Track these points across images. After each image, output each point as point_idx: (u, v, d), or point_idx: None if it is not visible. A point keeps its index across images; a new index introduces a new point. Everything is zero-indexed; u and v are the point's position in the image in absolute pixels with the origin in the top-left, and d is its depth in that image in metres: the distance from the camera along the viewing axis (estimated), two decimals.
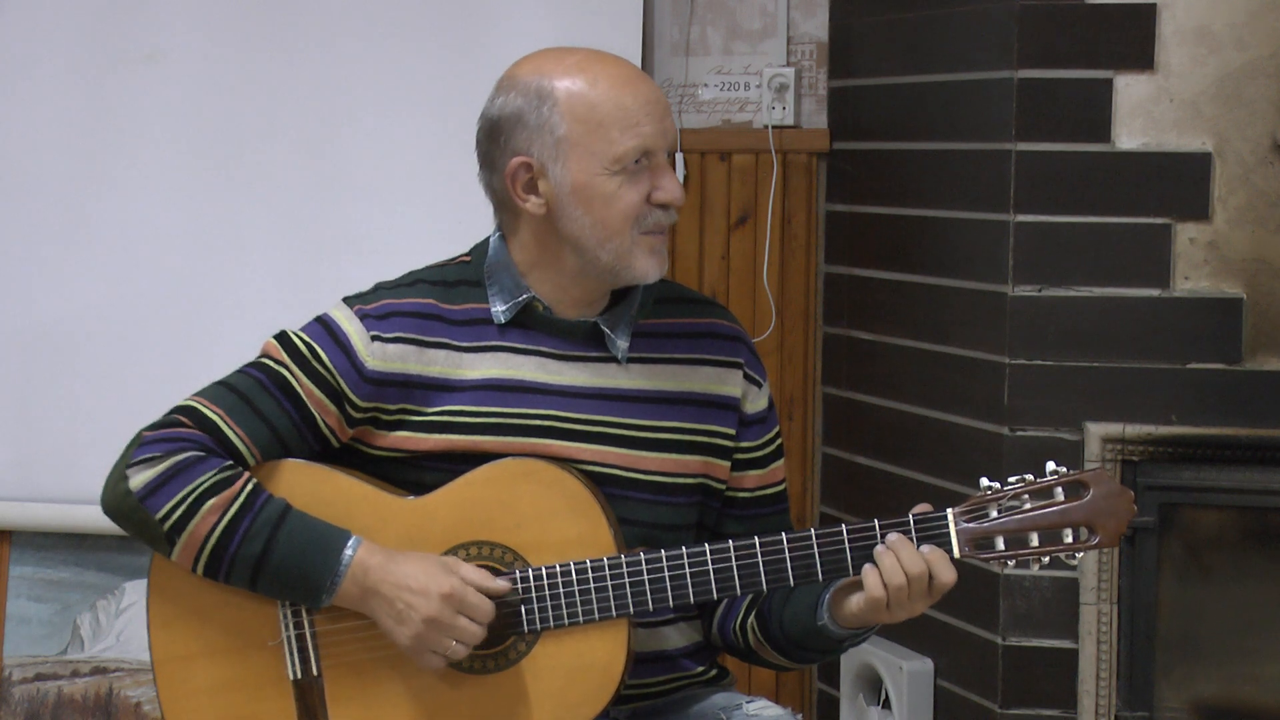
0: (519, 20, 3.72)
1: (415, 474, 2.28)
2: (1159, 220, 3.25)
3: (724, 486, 2.37)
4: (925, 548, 2.17)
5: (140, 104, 3.78)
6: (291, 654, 2.25)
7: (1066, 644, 3.30)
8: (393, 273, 2.38)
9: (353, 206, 3.74)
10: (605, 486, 2.27)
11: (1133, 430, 3.25)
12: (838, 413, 3.85)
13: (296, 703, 2.25)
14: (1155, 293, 3.25)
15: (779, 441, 2.43)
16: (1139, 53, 3.23)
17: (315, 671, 2.25)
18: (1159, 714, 3.31)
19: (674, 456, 2.32)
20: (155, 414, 2.28)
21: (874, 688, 3.61)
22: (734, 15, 3.90)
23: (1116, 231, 3.26)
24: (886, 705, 3.56)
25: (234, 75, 3.77)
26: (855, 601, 2.20)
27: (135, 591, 3.80)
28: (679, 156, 3.83)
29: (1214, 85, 3.21)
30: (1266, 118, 3.20)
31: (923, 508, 2.22)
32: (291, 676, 2.25)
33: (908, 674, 3.50)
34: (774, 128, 3.86)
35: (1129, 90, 3.24)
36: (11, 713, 3.82)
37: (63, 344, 3.79)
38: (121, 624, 3.83)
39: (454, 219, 3.53)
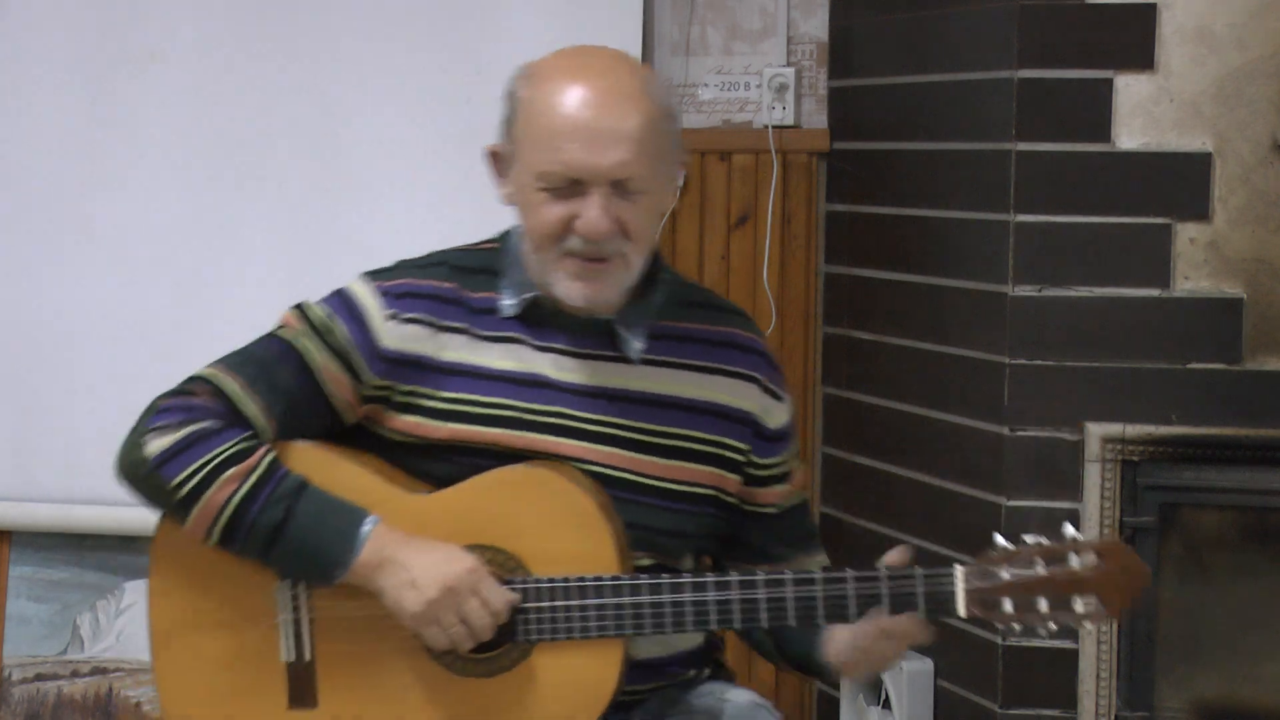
0: (519, 20, 3.72)
1: (425, 464, 2.27)
2: (1159, 220, 3.25)
3: (736, 501, 2.34)
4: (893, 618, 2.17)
5: (140, 104, 3.78)
6: (287, 636, 2.25)
7: (1066, 644, 3.30)
8: None
9: (353, 206, 3.74)
10: (611, 489, 2.25)
11: (1133, 430, 3.25)
12: (838, 413, 3.85)
13: (288, 684, 2.25)
14: (1155, 293, 3.25)
15: (796, 449, 2.41)
16: (1139, 53, 3.22)
17: (309, 656, 2.25)
18: (1159, 714, 3.31)
19: (683, 464, 2.29)
20: None
21: (874, 688, 3.61)
22: (734, 15, 3.90)
23: (1116, 231, 3.26)
24: (886, 705, 3.56)
25: (234, 75, 3.77)
26: (835, 657, 2.25)
27: (135, 591, 3.80)
28: None
29: (1214, 85, 3.21)
30: (1266, 118, 3.20)
31: (900, 557, 2.19)
32: (285, 658, 2.25)
33: (908, 674, 3.50)
34: (774, 128, 3.86)
35: (1129, 90, 3.24)
36: (11, 713, 3.82)
37: (63, 343, 3.79)
38: (121, 624, 3.83)
39: (453, 219, 3.53)
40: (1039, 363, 3.29)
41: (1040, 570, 2.14)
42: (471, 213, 3.48)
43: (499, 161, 2.28)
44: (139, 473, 2.22)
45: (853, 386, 3.78)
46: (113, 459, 2.25)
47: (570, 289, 2.23)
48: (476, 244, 2.37)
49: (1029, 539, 2.16)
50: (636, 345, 2.29)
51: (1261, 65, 3.19)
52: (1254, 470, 3.23)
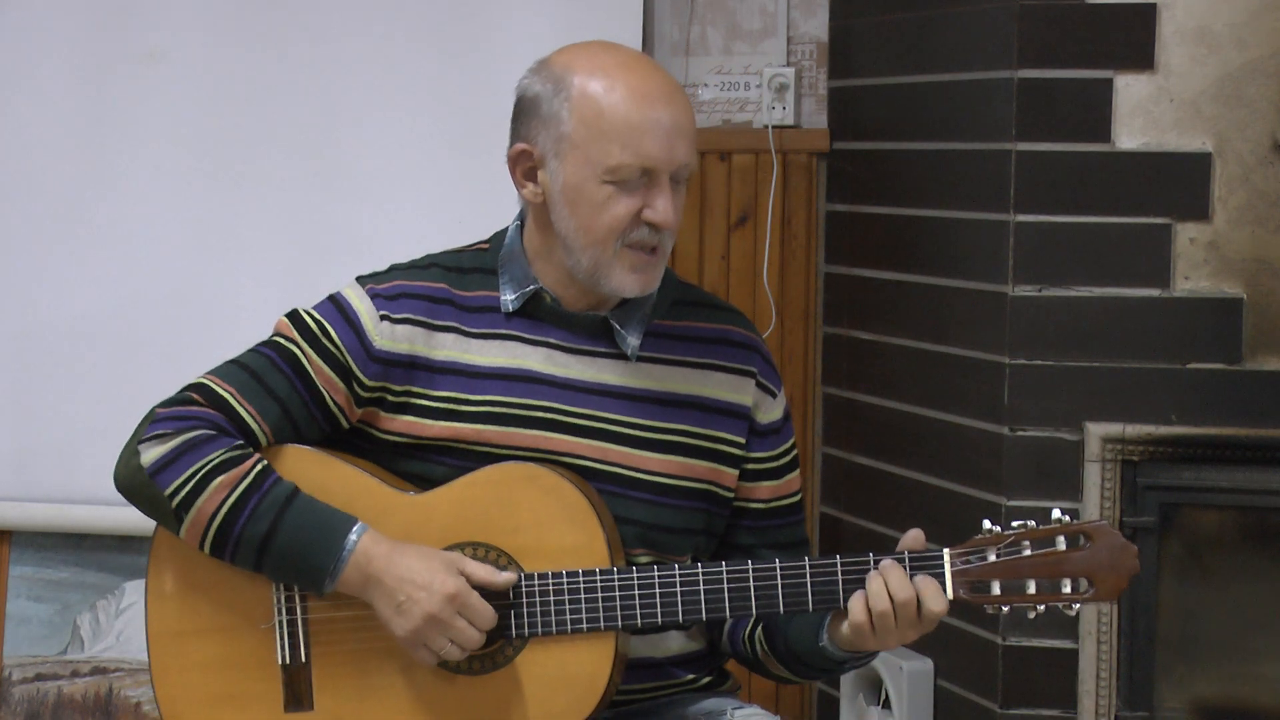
0: (518, 20, 3.72)
1: (419, 466, 2.27)
2: (1159, 220, 3.25)
3: (731, 495, 2.35)
4: (918, 577, 2.14)
5: (140, 104, 3.78)
6: (282, 639, 2.25)
7: (1066, 644, 3.30)
8: None
9: (353, 206, 3.74)
10: (605, 484, 2.26)
11: (1133, 430, 3.25)
12: (838, 413, 3.85)
13: (284, 687, 2.25)
14: (1155, 293, 3.26)
15: (794, 452, 2.40)
16: (1139, 53, 3.23)
17: (304, 658, 2.25)
18: (1159, 714, 3.31)
19: (678, 459, 2.30)
20: None
21: (874, 688, 3.61)
22: (734, 15, 3.90)
23: (1116, 231, 3.26)
24: (886, 705, 3.56)
25: (234, 75, 3.77)
26: (845, 626, 2.19)
27: (135, 591, 3.80)
28: None
29: (1214, 85, 3.21)
30: (1266, 118, 3.20)
31: (916, 541, 2.19)
32: (280, 661, 2.25)
33: (908, 674, 3.50)
34: (774, 128, 3.86)
35: (1129, 90, 3.24)
36: (11, 713, 3.82)
37: (62, 343, 3.79)
38: (121, 624, 3.83)
39: (453, 219, 3.53)
40: (1039, 363, 3.29)
41: (1027, 552, 2.14)
42: (471, 212, 3.48)
43: (525, 163, 2.28)
44: (136, 482, 2.23)
45: (853, 386, 3.78)
46: (111, 470, 2.25)
47: (629, 281, 2.25)
48: (465, 246, 2.38)
49: (1016, 523, 2.15)
50: (633, 341, 2.30)
51: (1261, 65, 3.19)
52: (1254, 470, 3.23)
